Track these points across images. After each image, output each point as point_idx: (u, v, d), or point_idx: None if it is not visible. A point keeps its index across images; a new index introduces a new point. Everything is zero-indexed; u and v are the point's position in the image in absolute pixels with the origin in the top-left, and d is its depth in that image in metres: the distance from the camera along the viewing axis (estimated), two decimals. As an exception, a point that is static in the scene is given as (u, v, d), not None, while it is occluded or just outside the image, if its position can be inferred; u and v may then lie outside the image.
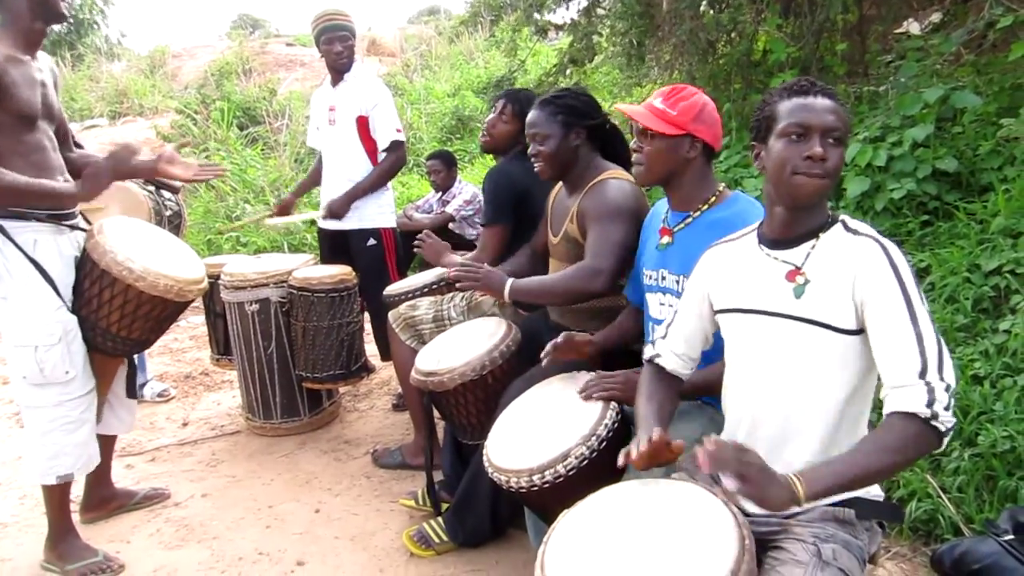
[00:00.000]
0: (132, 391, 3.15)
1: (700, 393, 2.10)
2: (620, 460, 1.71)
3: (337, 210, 4.13)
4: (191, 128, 10.34)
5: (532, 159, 2.74)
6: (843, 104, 1.68)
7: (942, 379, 1.50)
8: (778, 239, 1.75)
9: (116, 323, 2.79)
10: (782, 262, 1.72)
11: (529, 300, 2.61)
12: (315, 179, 4.55)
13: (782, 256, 1.72)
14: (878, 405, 1.62)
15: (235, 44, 14.37)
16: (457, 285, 2.68)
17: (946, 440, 1.52)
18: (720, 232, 1.99)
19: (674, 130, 2.15)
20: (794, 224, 1.73)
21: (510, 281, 2.57)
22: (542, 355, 2.34)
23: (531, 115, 2.74)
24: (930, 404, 1.48)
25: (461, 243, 4.97)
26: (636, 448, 1.67)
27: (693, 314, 1.94)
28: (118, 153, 2.78)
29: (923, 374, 1.50)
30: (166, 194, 3.94)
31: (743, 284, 1.79)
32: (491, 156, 3.45)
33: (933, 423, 1.48)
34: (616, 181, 2.59)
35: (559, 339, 2.33)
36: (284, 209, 4.62)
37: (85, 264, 2.77)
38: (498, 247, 3.07)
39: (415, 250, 3.22)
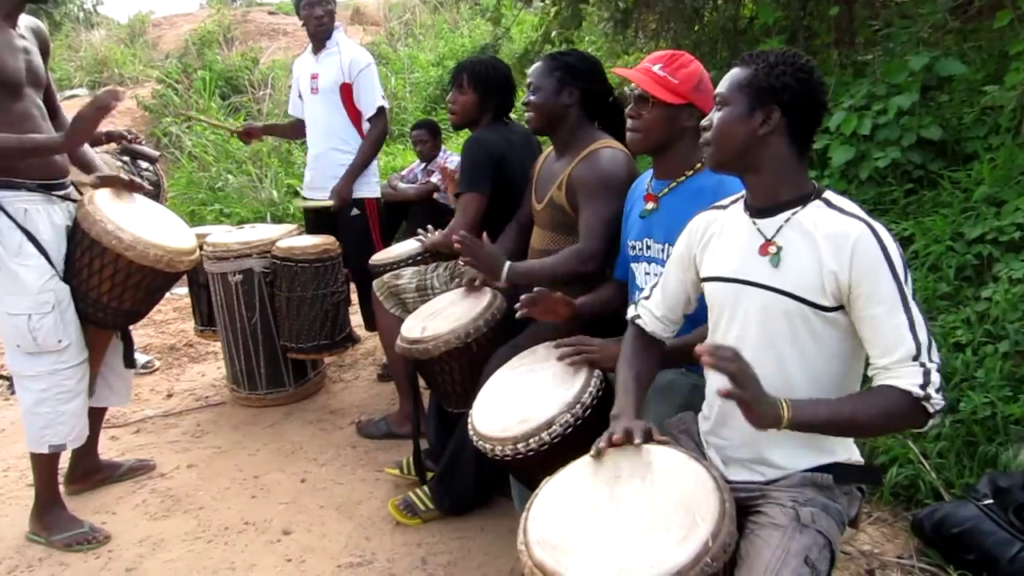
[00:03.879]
0: (130, 362, 3.15)
1: (683, 358, 2.09)
2: (592, 451, 1.73)
3: (344, 195, 4.08)
4: (172, 98, 10.22)
5: (524, 108, 2.74)
6: (754, 66, 1.68)
7: (932, 360, 1.54)
8: (754, 206, 1.76)
9: (106, 293, 2.79)
10: (758, 231, 1.72)
11: (525, 282, 2.62)
12: (285, 132, 4.75)
13: (760, 224, 1.72)
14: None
15: (216, 12, 14.13)
16: (461, 260, 2.68)
17: (932, 421, 1.56)
18: (704, 198, 1.99)
19: (676, 99, 2.14)
20: (754, 191, 1.75)
21: (507, 264, 2.57)
22: (516, 307, 2.31)
23: (533, 66, 2.75)
24: (924, 386, 1.52)
25: (445, 213, 4.94)
26: (606, 441, 1.71)
27: (678, 278, 1.94)
28: (100, 97, 2.68)
29: (917, 356, 1.53)
30: (143, 164, 3.90)
31: (726, 252, 1.79)
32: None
33: (924, 403, 1.52)
34: (609, 151, 2.58)
35: (536, 292, 2.27)
36: (250, 132, 4.57)
37: (76, 233, 2.77)
38: (476, 214, 3.05)
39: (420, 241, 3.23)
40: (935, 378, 1.53)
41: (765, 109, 1.66)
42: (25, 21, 2.74)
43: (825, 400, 1.60)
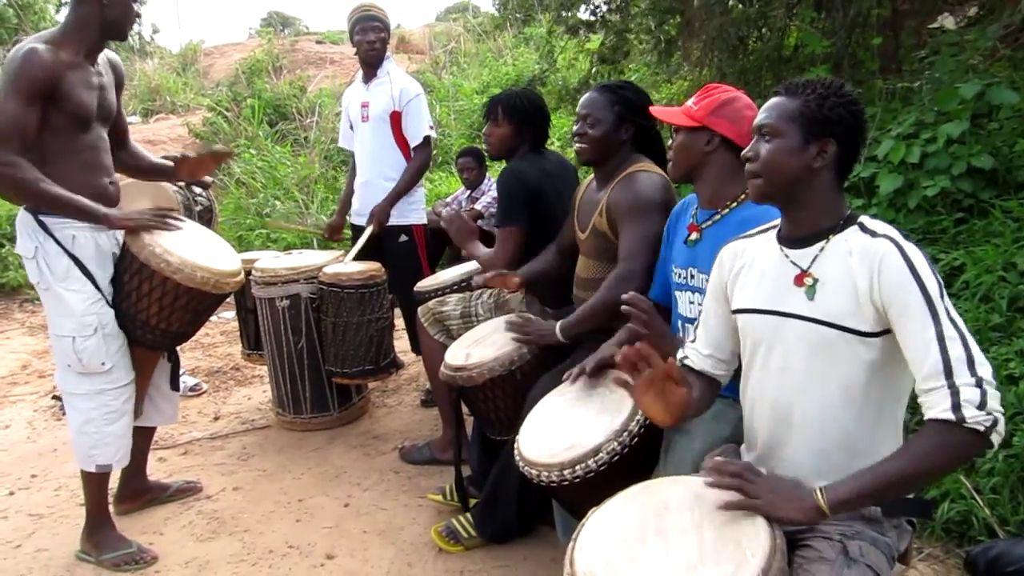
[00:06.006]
0: (175, 384, 3.21)
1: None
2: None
3: (382, 218, 4.13)
4: (222, 125, 10.43)
5: (575, 139, 2.71)
6: (802, 96, 1.66)
7: (973, 375, 1.47)
8: (789, 237, 1.74)
9: (155, 315, 2.86)
10: (792, 262, 1.71)
11: (582, 329, 2.62)
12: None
13: (793, 255, 1.71)
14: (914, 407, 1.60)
15: (266, 42, 14.44)
16: (512, 338, 2.77)
17: (995, 437, 1.46)
18: (749, 229, 1.98)
19: (690, 122, 2.19)
20: (794, 223, 1.73)
21: (558, 325, 2.62)
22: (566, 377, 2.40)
23: (587, 96, 2.71)
24: (955, 408, 1.45)
25: (489, 240, 4.98)
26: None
27: (716, 313, 1.91)
28: (162, 216, 2.91)
29: (948, 375, 1.47)
30: (196, 189, 3.98)
31: (759, 283, 1.77)
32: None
33: (966, 425, 1.45)
34: (644, 173, 2.58)
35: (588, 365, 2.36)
36: (335, 231, 4.64)
37: (125, 258, 2.84)
38: (513, 248, 3.07)
39: (441, 224, 3.23)
40: (968, 394, 1.45)
41: (820, 142, 1.64)
42: (104, 55, 2.85)
43: (865, 469, 1.53)
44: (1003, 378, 2.86)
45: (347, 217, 4.56)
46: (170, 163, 3.23)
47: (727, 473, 1.54)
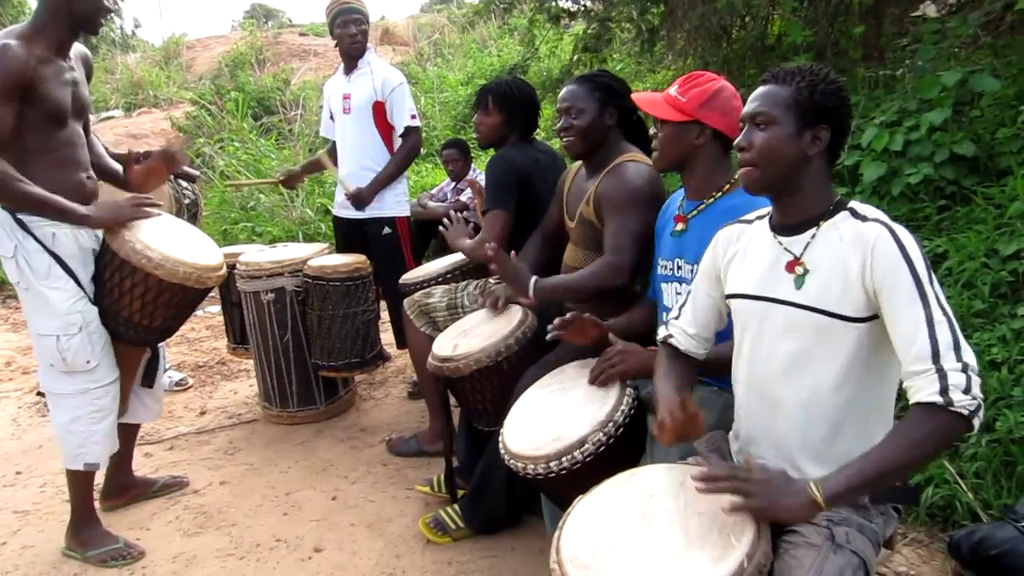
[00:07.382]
0: (150, 380, 3.17)
1: (717, 370, 2.07)
2: (654, 430, 1.70)
3: (366, 198, 4.13)
4: (206, 118, 10.37)
5: (562, 134, 2.70)
6: (793, 84, 1.66)
7: (959, 360, 1.48)
8: (781, 224, 1.75)
9: (138, 312, 2.83)
10: (785, 249, 1.72)
11: (552, 298, 2.63)
12: (326, 162, 4.50)
13: (786, 243, 1.72)
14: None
15: (248, 35, 14.36)
16: (492, 274, 2.74)
17: (976, 421, 1.48)
18: (734, 218, 1.99)
19: (680, 116, 2.16)
20: (786, 210, 1.74)
21: (533, 279, 2.58)
22: (548, 328, 2.35)
23: (566, 90, 2.70)
24: (944, 391, 1.46)
25: (476, 231, 4.97)
26: (658, 425, 1.69)
27: (707, 294, 1.93)
28: (139, 204, 2.84)
29: (936, 358, 1.48)
30: (183, 183, 3.96)
31: (752, 269, 1.79)
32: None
33: (952, 409, 1.46)
34: (634, 164, 2.58)
35: (568, 316, 2.32)
36: (290, 180, 4.66)
37: (105, 254, 2.81)
38: (500, 231, 3.07)
39: (440, 229, 3.23)
40: (956, 379, 1.46)
41: (814, 129, 1.65)
42: (75, 49, 2.80)
43: (855, 459, 1.53)
44: (986, 363, 2.88)
45: (308, 175, 4.78)
46: (120, 169, 3.15)
47: (717, 479, 1.54)
